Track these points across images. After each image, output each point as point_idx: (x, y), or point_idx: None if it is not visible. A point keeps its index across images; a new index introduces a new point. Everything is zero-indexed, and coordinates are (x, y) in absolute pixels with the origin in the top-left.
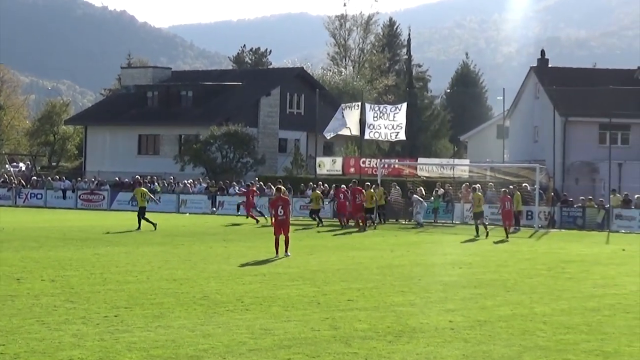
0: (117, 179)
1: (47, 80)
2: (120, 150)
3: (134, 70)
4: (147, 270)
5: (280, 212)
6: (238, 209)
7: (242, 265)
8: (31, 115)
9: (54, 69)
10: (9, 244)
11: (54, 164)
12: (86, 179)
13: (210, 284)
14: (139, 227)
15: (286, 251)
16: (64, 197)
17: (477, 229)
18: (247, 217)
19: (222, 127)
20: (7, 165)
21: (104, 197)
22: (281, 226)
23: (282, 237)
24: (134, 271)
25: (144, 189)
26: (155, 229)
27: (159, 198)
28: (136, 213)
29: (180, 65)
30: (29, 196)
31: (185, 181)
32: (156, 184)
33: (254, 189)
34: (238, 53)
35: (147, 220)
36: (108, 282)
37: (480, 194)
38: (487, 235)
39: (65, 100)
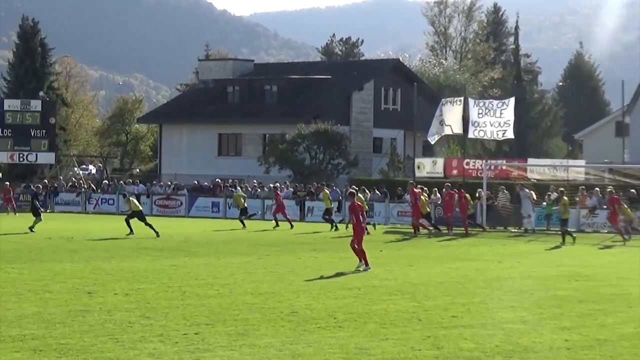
0: (195, 182)
1: (117, 75)
2: (199, 151)
3: (213, 63)
4: (230, 283)
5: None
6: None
7: (334, 277)
8: (101, 113)
9: (126, 62)
10: (78, 255)
11: (126, 166)
12: (162, 183)
13: (299, 298)
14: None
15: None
16: (138, 203)
17: (563, 237)
18: (276, 224)
19: (311, 125)
20: (75, 168)
21: (181, 203)
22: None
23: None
24: (216, 284)
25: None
26: (131, 233)
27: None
28: (237, 219)
29: (264, 57)
30: (99, 202)
31: (271, 185)
32: (238, 188)
33: (279, 192)
34: (327, 43)
35: (129, 225)
36: (187, 296)
37: (566, 198)
38: (573, 241)
39: (138, 96)
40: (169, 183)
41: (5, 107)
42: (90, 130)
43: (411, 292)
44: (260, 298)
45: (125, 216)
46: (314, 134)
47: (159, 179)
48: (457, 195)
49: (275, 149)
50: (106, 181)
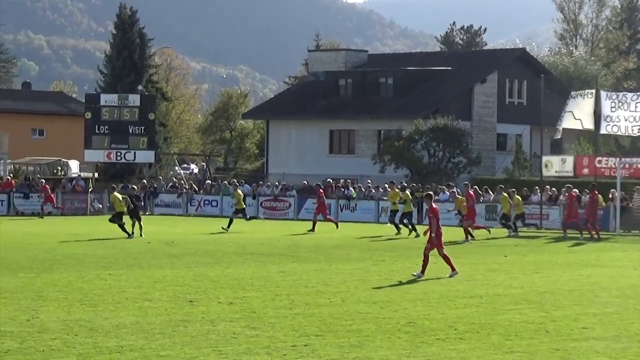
0: (305, 182)
1: (221, 67)
2: (308, 148)
3: (324, 54)
4: (342, 291)
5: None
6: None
7: (454, 285)
8: (203, 108)
9: (230, 53)
10: (180, 260)
11: (230, 165)
12: (269, 183)
13: (416, 307)
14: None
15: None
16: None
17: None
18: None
19: (429, 121)
20: (176, 168)
21: (289, 205)
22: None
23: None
24: (327, 292)
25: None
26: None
27: (355, 205)
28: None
29: (378, 47)
30: (202, 203)
31: (386, 185)
32: (350, 188)
33: (321, 191)
34: (446, 32)
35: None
36: (296, 305)
37: (505, 195)
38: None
39: (244, 89)
40: (277, 183)
41: (102, 102)
42: (192, 127)
43: (538, 301)
44: (374, 307)
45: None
46: (432, 130)
47: (266, 179)
48: (588, 196)
49: (390, 146)
50: (209, 181)
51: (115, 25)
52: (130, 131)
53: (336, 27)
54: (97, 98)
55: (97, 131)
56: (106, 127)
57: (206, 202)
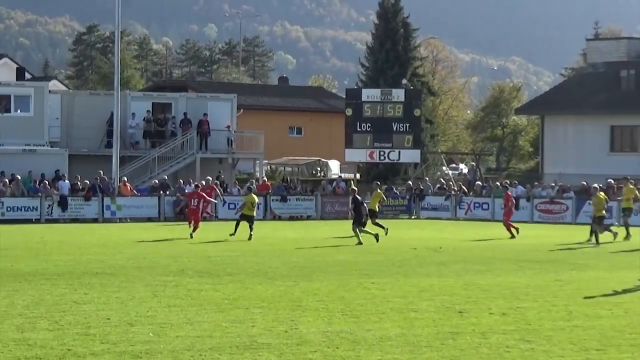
0: (583, 183)
1: (492, 59)
2: (587, 146)
3: (603, 43)
4: (626, 301)
5: None
6: None
7: None
8: (473, 103)
9: (502, 43)
10: (448, 268)
11: (502, 165)
12: (544, 184)
13: None
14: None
15: None
16: (517, 207)
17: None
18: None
19: None
20: (444, 168)
21: (567, 207)
22: None
23: None
24: (608, 303)
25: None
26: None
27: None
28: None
29: None
30: (472, 206)
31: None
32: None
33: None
34: None
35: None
36: (574, 316)
37: (601, 195)
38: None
39: (516, 82)
40: (553, 184)
41: (364, 98)
42: (461, 123)
43: None
44: None
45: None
46: None
47: (542, 179)
48: None
49: None
50: (479, 182)
51: (377, 15)
52: (395, 128)
53: (617, 14)
54: (358, 93)
55: (358, 129)
56: (368, 124)
57: (476, 204)
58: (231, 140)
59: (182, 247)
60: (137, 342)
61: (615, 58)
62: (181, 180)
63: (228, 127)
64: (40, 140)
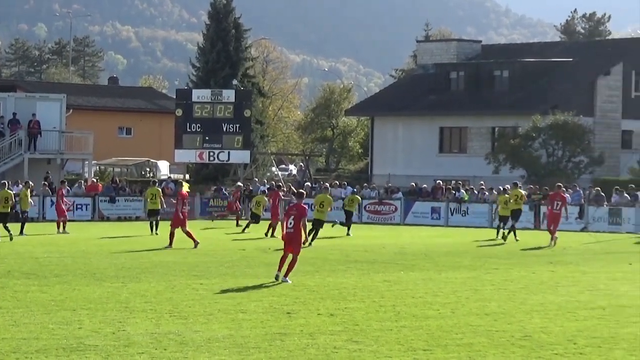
0: (412, 184)
1: (323, 60)
2: (417, 147)
3: (434, 45)
4: (452, 301)
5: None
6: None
7: (574, 295)
8: (303, 104)
9: (332, 45)
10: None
11: (332, 166)
12: (373, 185)
13: (533, 319)
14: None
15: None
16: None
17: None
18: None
19: (548, 117)
20: (273, 168)
21: (396, 208)
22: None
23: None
24: (435, 303)
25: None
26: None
27: (467, 209)
28: None
29: (493, 37)
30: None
31: (501, 187)
32: (462, 191)
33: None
34: (567, 20)
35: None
36: (402, 317)
37: (507, 195)
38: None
39: (347, 84)
40: (383, 185)
41: (194, 98)
42: (291, 124)
43: None
44: (486, 319)
45: None
46: (551, 127)
47: (370, 180)
48: None
49: (505, 144)
50: (309, 183)
51: (209, 15)
52: (225, 129)
53: (447, 16)
54: (188, 93)
55: (188, 129)
56: (198, 125)
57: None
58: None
59: (8, 249)
60: None
61: (445, 60)
62: (8, 181)
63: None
64: None
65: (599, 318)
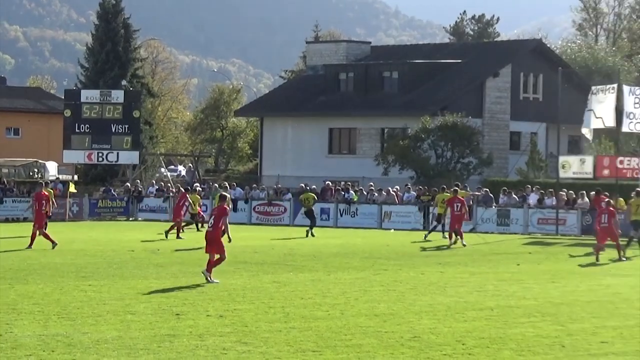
0: (302, 185)
1: (212, 60)
2: (306, 148)
3: (323, 46)
4: (341, 303)
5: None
6: None
7: (463, 296)
8: (193, 104)
9: (221, 45)
10: (166, 270)
11: (221, 166)
12: (263, 186)
13: (421, 320)
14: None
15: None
16: (235, 209)
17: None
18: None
19: (437, 118)
20: (162, 169)
21: (285, 209)
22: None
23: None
24: (324, 304)
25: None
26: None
27: (356, 209)
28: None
29: (382, 39)
30: (190, 208)
31: (390, 188)
32: (351, 192)
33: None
34: (456, 22)
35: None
36: (291, 318)
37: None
38: None
39: (236, 85)
40: (272, 186)
41: (83, 99)
42: (181, 125)
43: (553, 313)
44: (376, 320)
45: None
46: (440, 128)
47: (260, 181)
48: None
49: (395, 145)
50: (198, 184)
51: (97, 15)
52: (113, 130)
53: (336, 17)
54: (77, 94)
55: (77, 130)
56: (87, 125)
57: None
58: None
59: None
60: None
61: (335, 61)
62: None
63: None
64: None
65: (487, 319)
